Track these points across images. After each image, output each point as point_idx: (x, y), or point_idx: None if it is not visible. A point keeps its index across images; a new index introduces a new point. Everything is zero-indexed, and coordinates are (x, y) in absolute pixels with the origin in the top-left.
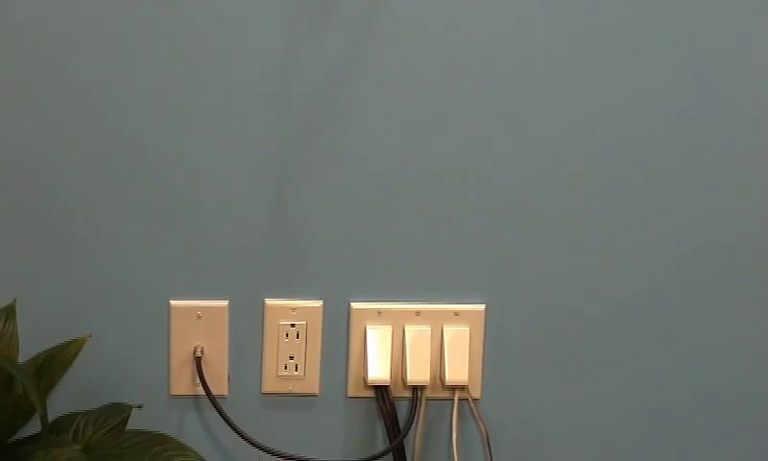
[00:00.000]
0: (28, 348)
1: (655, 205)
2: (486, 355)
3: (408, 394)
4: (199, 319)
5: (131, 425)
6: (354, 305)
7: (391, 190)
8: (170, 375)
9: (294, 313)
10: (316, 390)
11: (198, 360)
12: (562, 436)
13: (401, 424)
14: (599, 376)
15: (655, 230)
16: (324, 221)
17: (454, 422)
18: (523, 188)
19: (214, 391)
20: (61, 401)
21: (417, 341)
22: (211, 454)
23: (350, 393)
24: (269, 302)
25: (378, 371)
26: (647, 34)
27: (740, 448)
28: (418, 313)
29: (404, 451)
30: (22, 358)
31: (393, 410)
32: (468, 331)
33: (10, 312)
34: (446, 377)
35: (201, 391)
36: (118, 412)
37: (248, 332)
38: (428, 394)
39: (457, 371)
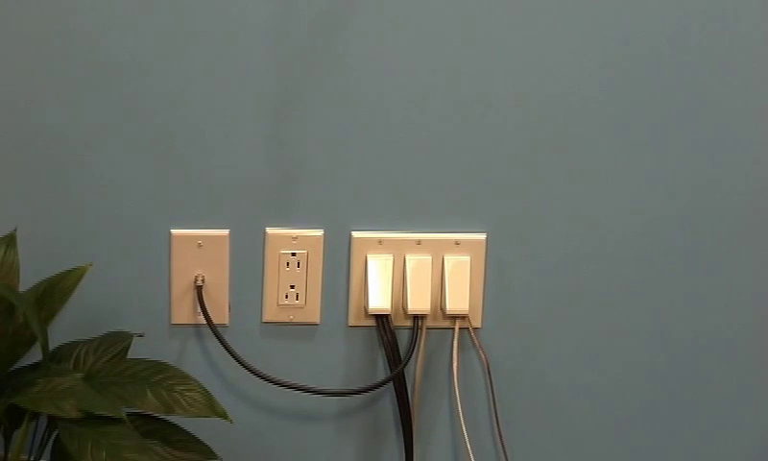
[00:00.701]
0: (29, 278)
1: (659, 136)
2: (486, 285)
3: (409, 323)
4: (200, 248)
5: (131, 354)
6: (355, 234)
7: (392, 120)
8: (171, 303)
9: (295, 242)
10: (317, 319)
11: (199, 289)
12: (561, 365)
13: (402, 354)
14: (598, 306)
15: (659, 162)
16: (325, 150)
17: (455, 351)
18: (526, 117)
19: (215, 320)
20: (62, 330)
21: (417, 270)
22: (212, 383)
23: (351, 322)
24: (270, 230)
25: (379, 300)
26: None
27: (744, 385)
28: (418, 242)
29: (405, 380)
30: (23, 288)
31: (393, 339)
32: (468, 261)
33: (10, 241)
34: (447, 307)
35: (201, 320)
36: (119, 341)
37: (249, 261)
38: (429, 323)
39: (458, 300)
